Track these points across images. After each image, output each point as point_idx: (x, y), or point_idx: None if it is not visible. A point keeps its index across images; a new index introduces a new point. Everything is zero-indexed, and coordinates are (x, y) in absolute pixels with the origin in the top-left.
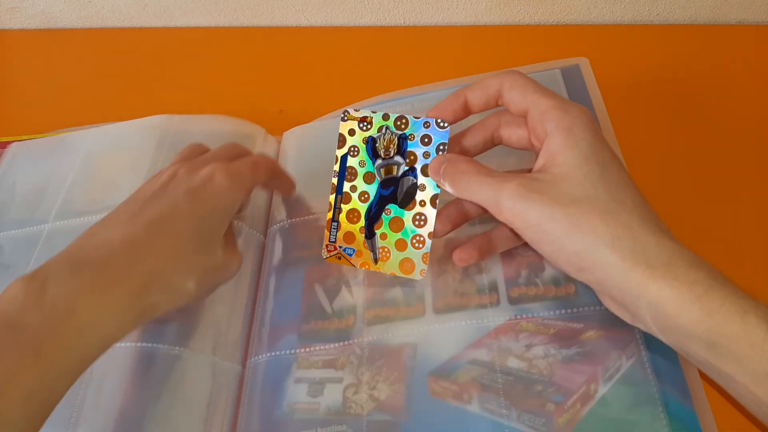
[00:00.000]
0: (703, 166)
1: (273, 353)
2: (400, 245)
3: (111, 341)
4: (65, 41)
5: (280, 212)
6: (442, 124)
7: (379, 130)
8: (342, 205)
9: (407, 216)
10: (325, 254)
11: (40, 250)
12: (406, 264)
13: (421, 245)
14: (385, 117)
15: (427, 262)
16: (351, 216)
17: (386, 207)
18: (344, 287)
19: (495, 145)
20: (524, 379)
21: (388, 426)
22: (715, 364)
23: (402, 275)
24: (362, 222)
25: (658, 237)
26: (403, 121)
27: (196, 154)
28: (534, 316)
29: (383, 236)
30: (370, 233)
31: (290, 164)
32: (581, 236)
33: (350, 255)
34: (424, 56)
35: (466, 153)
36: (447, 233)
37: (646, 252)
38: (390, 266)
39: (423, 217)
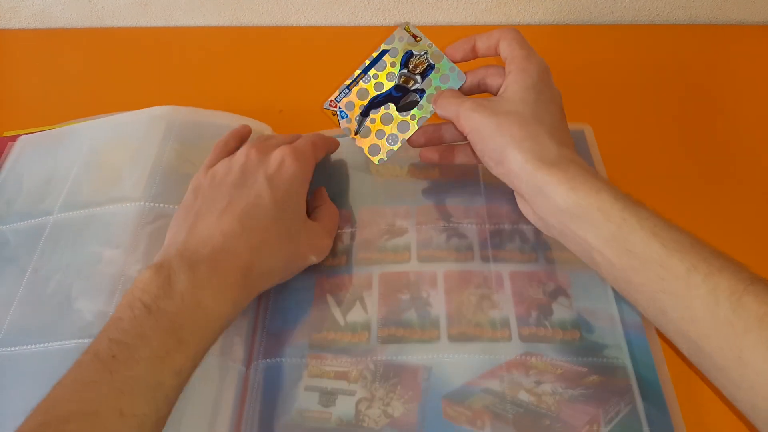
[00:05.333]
0: (703, 163)
1: (280, 358)
2: (380, 134)
3: (228, 324)
4: (65, 41)
5: None
6: (461, 77)
7: (420, 50)
8: (360, 82)
9: (397, 118)
10: (326, 105)
11: (45, 243)
12: (375, 148)
13: (393, 142)
14: (430, 46)
15: (388, 157)
16: (361, 93)
17: (388, 103)
18: (358, 302)
19: (482, 91)
20: (534, 412)
21: None
22: (579, 233)
23: (367, 154)
24: (365, 102)
25: (558, 146)
26: (439, 57)
27: (246, 135)
28: (543, 355)
29: (373, 120)
30: (365, 112)
31: None
32: (500, 137)
33: (342, 118)
34: None
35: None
36: (421, 145)
37: (542, 153)
38: (363, 143)
39: (407, 126)
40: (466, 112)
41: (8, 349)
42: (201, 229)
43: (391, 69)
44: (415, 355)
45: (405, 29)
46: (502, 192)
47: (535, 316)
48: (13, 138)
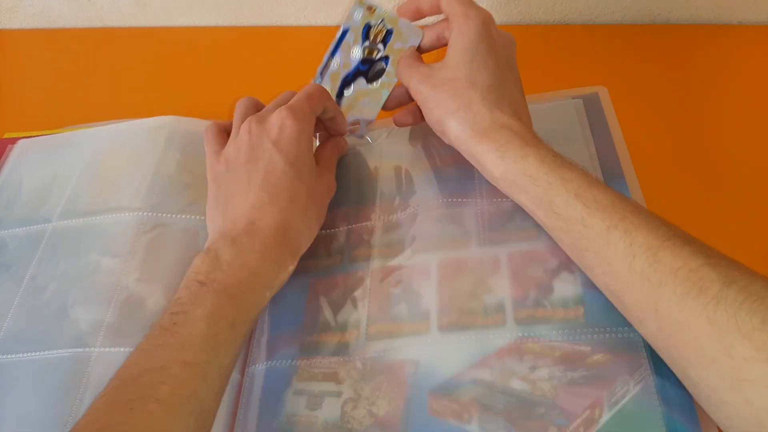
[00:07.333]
0: (704, 164)
1: (272, 362)
2: (355, 111)
3: (278, 284)
4: (64, 41)
5: None
6: (418, 33)
7: (377, 18)
8: (330, 66)
9: (368, 91)
10: None
11: (43, 250)
12: (354, 126)
13: (370, 115)
14: (385, 12)
15: (368, 130)
16: (333, 77)
17: (358, 78)
18: (349, 301)
19: (442, 45)
20: (527, 401)
21: None
22: (515, 197)
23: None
24: (338, 84)
25: (492, 112)
26: (395, 21)
27: (254, 108)
28: (540, 338)
29: (347, 100)
30: (339, 94)
31: None
32: (438, 109)
33: None
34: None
35: (420, 49)
36: (394, 108)
37: (475, 121)
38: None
39: (379, 95)
40: (415, 84)
41: (4, 357)
42: (233, 209)
43: (354, 46)
44: (403, 349)
45: (359, 3)
46: None
47: (533, 296)
48: (13, 140)
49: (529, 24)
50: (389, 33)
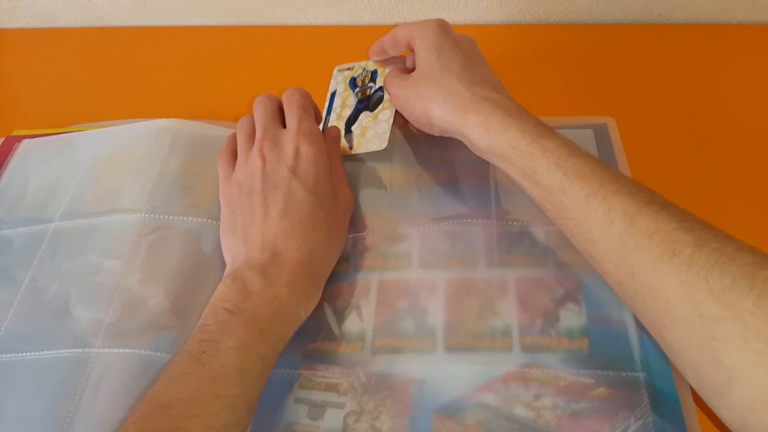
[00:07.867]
0: (703, 164)
1: (274, 368)
2: (369, 132)
3: (302, 316)
4: (64, 40)
5: None
6: (399, 60)
7: (357, 71)
8: (329, 122)
9: (376, 114)
10: None
11: (45, 250)
12: (372, 143)
13: (384, 128)
14: (365, 64)
15: (387, 141)
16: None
17: (361, 114)
18: (354, 311)
19: None
20: (531, 428)
21: None
22: (503, 169)
23: (369, 150)
24: (343, 127)
25: (470, 89)
26: (374, 64)
27: (252, 128)
28: (545, 366)
29: (357, 129)
30: (347, 131)
31: None
32: (420, 102)
33: None
34: None
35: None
36: (405, 122)
37: (457, 100)
38: (360, 147)
39: (387, 113)
40: (396, 89)
41: (4, 356)
42: (254, 237)
43: (347, 98)
44: (408, 366)
45: (338, 71)
46: (513, 192)
47: (540, 324)
48: (20, 138)
49: (529, 24)
50: (374, 73)
